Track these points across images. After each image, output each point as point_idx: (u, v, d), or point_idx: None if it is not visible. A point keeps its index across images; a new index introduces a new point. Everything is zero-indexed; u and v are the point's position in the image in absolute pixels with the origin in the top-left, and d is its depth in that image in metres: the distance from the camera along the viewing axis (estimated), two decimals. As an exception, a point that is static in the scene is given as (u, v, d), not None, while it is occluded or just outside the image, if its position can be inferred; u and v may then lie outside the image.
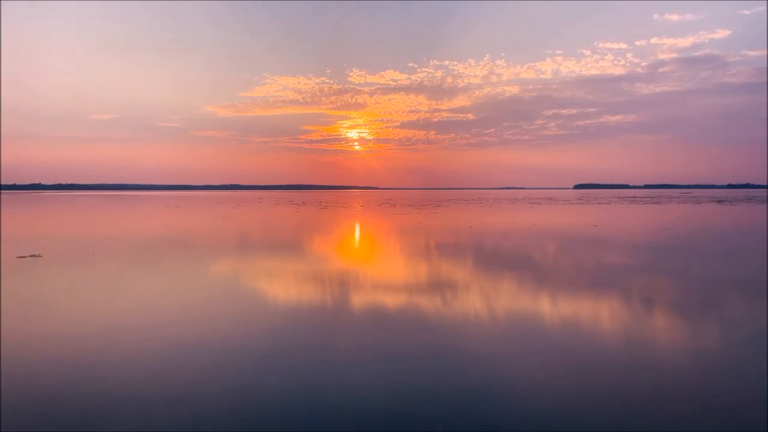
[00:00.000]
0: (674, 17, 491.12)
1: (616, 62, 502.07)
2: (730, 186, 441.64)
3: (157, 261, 19.13)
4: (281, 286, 14.19)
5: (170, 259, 19.47)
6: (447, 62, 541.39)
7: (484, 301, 11.59)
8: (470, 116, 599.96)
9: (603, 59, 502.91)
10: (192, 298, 12.68)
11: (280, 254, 21.04)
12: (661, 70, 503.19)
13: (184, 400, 6.49)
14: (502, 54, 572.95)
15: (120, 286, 14.32)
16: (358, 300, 11.83)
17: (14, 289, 13.89)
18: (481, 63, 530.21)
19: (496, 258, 19.72)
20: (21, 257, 19.85)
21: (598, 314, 10.46)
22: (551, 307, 10.95)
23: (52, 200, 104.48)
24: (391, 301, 11.62)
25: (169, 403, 6.41)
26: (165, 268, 17.52)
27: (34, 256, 20.24)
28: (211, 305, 11.92)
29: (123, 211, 60.37)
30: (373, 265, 17.73)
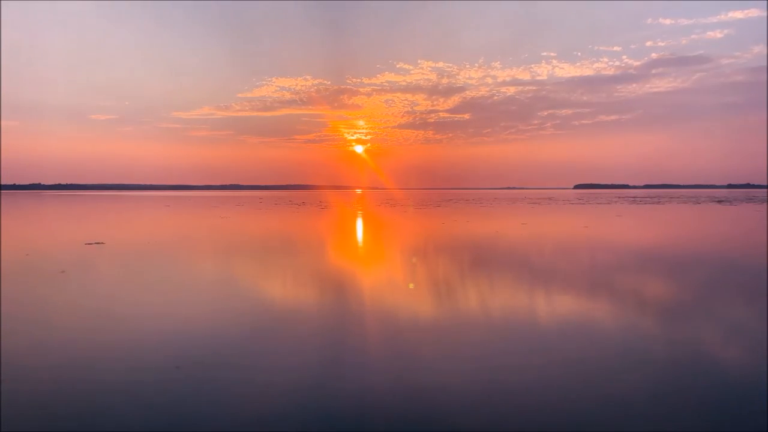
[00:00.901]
0: (667, 21, 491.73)
1: (610, 63, 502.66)
2: (730, 186, 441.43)
3: (194, 247, 23.11)
4: (288, 281, 17.22)
5: (205, 247, 23.44)
6: (441, 64, 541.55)
7: (479, 301, 11.68)
8: (467, 116, 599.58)
9: (598, 61, 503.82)
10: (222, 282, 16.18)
11: (283, 253, 24.68)
12: (654, 71, 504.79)
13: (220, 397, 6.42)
14: (498, 56, 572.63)
15: (175, 265, 18.11)
16: (402, 307, 11.20)
17: (97, 267, 17.45)
18: (476, 65, 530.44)
19: (483, 257, 20.52)
20: (88, 244, 23.31)
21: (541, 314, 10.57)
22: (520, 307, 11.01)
23: (66, 200, 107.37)
24: (407, 303, 11.53)
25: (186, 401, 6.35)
26: (204, 253, 21.38)
27: (98, 243, 23.78)
28: (232, 286, 15.48)
29: (138, 210, 64.78)
30: (414, 276, 17.75)
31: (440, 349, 8.31)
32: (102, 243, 23.71)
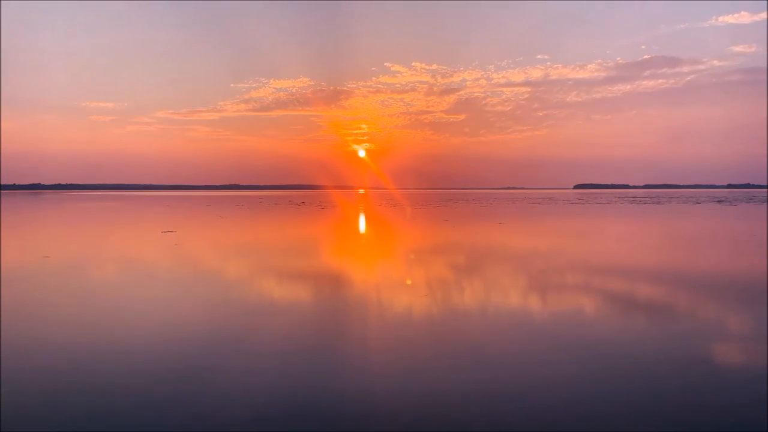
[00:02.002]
0: (661, 26, 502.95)
1: (604, 65, 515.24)
2: (730, 186, 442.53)
3: (247, 233, 29.71)
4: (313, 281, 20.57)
5: (257, 234, 30.12)
6: (435, 66, 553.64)
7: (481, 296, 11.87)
8: (462, 117, 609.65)
9: (591, 63, 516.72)
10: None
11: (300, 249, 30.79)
12: (648, 72, 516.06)
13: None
14: (493, 59, 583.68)
15: (231, 242, 24.52)
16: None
17: (192, 242, 23.54)
18: (470, 68, 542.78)
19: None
20: (165, 232, 29.15)
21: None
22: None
23: (85, 201, 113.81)
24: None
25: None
26: (257, 238, 28.01)
27: (171, 231, 29.61)
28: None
29: (158, 207, 71.81)
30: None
31: (437, 347, 8.43)
32: (174, 231, 29.62)
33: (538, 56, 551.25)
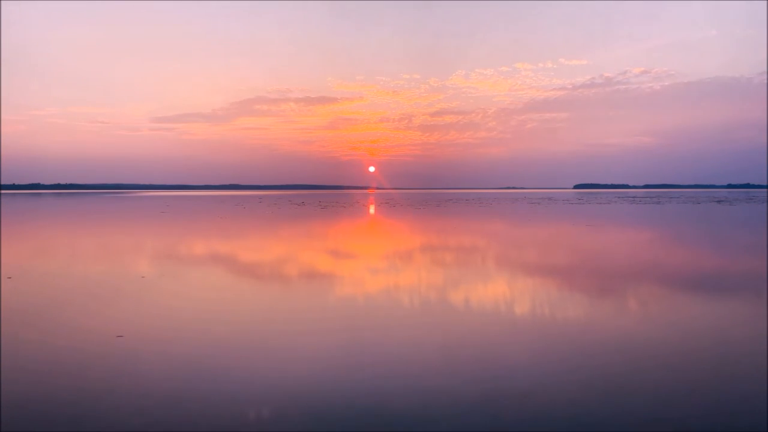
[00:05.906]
0: (644, 40, 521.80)
1: (586, 73, 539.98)
2: (730, 186, 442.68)
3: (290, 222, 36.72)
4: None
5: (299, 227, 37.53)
6: (417, 76, 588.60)
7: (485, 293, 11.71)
8: (450, 119, 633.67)
9: (570, 69, 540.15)
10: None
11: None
12: (629, 76, 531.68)
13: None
14: (476, 69, 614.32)
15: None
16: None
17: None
18: (453, 75, 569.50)
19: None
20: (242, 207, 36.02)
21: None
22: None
23: (105, 200, 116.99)
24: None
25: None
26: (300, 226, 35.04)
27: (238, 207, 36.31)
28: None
29: (179, 204, 78.22)
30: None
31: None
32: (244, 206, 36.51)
33: (516, 65, 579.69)
